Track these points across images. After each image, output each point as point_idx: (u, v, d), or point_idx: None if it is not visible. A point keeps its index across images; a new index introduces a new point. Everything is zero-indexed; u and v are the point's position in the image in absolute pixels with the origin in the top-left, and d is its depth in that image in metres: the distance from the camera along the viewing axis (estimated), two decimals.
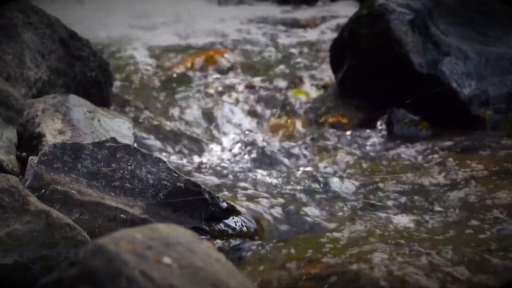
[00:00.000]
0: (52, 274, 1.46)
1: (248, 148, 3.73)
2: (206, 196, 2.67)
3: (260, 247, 2.65)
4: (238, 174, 3.46)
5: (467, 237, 2.66)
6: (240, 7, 6.51)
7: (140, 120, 3.98)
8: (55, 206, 2.45)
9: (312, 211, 2.99)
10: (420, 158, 3.62)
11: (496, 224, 2.78)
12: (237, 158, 3.67)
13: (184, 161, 3.66)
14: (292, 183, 3.32)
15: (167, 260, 1.49)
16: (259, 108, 4.26)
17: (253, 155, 3.67)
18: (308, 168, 3.52)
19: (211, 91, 4.41)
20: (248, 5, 6.55)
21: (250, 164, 3.59)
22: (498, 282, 2.24)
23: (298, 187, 3.26)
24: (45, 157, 2.60)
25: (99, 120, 3.32)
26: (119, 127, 3.38)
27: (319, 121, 4.15)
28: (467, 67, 4.06)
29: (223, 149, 3.81)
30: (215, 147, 3.86)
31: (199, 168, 3.56)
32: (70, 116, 3.25)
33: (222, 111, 4.23)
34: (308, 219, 2.92)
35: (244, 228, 2.73)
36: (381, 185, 3.29)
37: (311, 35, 5.49)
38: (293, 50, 5.14)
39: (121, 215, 2.54)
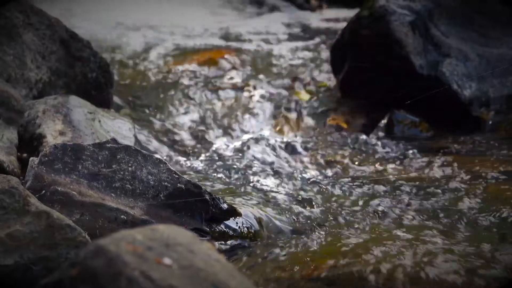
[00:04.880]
0: (53, 274, 1.47)
1: (249, 149, 3.73)
2: (207, 197, 2.67)
3: (261, 249, 2.66)
4: (239, 175, 3.46)
5: (467, 237, 2.66)
6: (240, 8, 6.51)
7: (140, 121, 3.98)
8: (56, 207, 2.45)
9: (313, 213, 2.99)
10: (420, 159, 3.62)
11: (496, 225, 2.78)
12: (238, 159, 3.66)
13: (185, 162, 3.66)
14: (292, 184, 3.32)
15: (167, 261, 1.49)
16: (259, 110, 4.26)
17: (254, 156, 3.66)
18: (309, 170, 3.52)
19: (212, 92, 4.41)
20: (248, 6, 6.55)
21: (250, 165, 3.59)
22: (498, 282, 2.25)
23: (299, 189, 3.26)
24: (46, 158, 2.60)
25: (99, 121, 3.32)
26: (119, 128, 3.38)
27: (320, 122, 4.15)
28: (468, 68, 4.05)
29: (223, 150, 3.81)
30: (215, 148, 3.86)
31: (199, 169, 3.56)
32: (71, 117, 3.26)
33: (223, 112, 4.24)
34: (309, 220, 2.92)
35: (245, 229, 2.73)
36: (381, 186, 3.29)
37: (312, 36, 5.49)
38: (294, 51, 5.14)
39: (122, 216, 2.54)
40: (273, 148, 3.73)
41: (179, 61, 4.91)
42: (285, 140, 3.89)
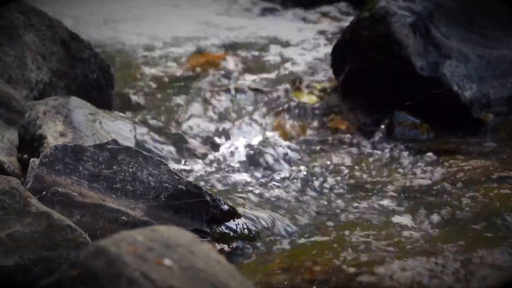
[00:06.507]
0: (53, 275, 1.47)
1: (249, 151, 3.73)
2: (207, 198, 2.67)
3: (261, 250, 2.66)
4: (239, 177, 3.46)
5: (467, 238, 2.66)
6: (240, 9, 6.52)
7: (141, 122, 3.98)
8: (56, 208, 2.45)
9: (313, 215, 2.99)
10: (420, 160, 3.62)
11: (496, 226, 2.78)
12: (239, 161, 3.67)
13: (185, 163, 3.67)
14: (293, 186, 3.32)
15: (167, 261, 1.49)
16: (260, 111, 4.26)
17: (254, 158, 3.67)
18: (310, 171, 3.52)
19: (213, 93, 4.41)
20: (250, 7, 6.55)
21: (251, 167, 3.59)
22: (498, 282, 2.25)
23: (300, 190, 3.26)
24: (47, 159, 2.60)
25: (100, 122, 3.32)
26: (120, 129, 3.38)
27: (321, 123, 4.15)
28: (468, 69, 4.05)
29: (224, 152, 3.81)
30: (216, 150, 3.86)
31: (200, 170, 3.57)
32: (71, 118, 3.26)
33: (223, 113, 4.24)
34: (310, 222, 2.92)
35: (245, 231, 2.73)
36: (382, 188, 3.29)
37: (313, 37, 5.49)
38: (295, 53, 5.14)
39: (122, 217, 2.54)
40: (274, 150, 3.73)
41: (180, 62, 4.92)
42: (285, 141, 3.89)
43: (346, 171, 3.53)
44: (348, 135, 3.98)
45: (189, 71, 4.76)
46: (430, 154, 3.68)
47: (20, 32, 3.55)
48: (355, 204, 3.10)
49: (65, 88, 3.69)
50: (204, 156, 3.77)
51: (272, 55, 5.12)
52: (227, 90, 4.47)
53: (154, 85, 4.57)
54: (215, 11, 6.46)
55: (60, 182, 2.56)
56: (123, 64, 4.92)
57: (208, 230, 2.65)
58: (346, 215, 2.98)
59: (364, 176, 3.46)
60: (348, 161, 3.66)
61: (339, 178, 3.43)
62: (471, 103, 3.99)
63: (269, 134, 3.97)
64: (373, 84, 4.17)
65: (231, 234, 2.70)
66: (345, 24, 4.46)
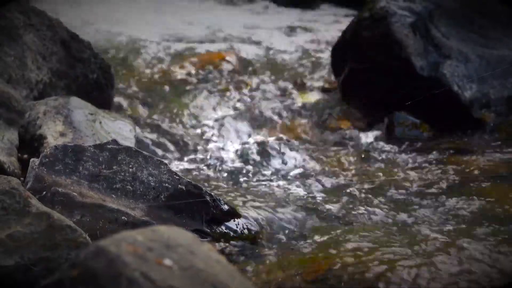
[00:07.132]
0: (53, 275, 1.47)
1: (250, 151, 3.73)
2: (207, 198, 2.67)
3: (261, 250, 2.66)
4: (240, 177, 3.46)
5: (467, 238, 2.66)
6: (241, 9, 6.52)
7: (141, 122, 3.98)
8: (56, 208, 2.45)
9: (313, 215, 2.99)
10: (421, 160, 3.62)
11: (495, 226, 2.78)
12: (239, 161, 3.67)
13: (186, 163, 3.67)
14: (293, 186, 3.32)
15: (168, 261, 1.49)
16: (260, 111, 4.26)
17: (255, 158, 3.67)
18: (310, 172, 3.52)
19: (213, 93, 4.41)
20: (250, 7, 6.56)
21: (251, 167, 3.59)
22: (498, 282, 2.25)
23: (300, 191, 3.26)
24: (47, 159, 2.60)
25: (100, 122, 3.32)
26: (120, 129, 3.38)
27: (321, 124, 4.15)
28: (468, 69, 4.05)
29: (224, 152, 3.81)
30: (216, 150, 3.86)
31: (200, 170, 3.57)
32: (72, 118, 3.26)
33: (224, 113, 4.24)
34: (310, 222, 2.92)
35: (246, 231, 2.73)
36: (382, 188, 3.29)
37: (313, 37, 5.49)
38: (295, 53, 5.14)
39: (122, 217, 2.54)
40: (274, 150, 3.73)
41: (180, 62, 4.92)
42: (285, 141, 3.89)
43: (346, 171, 3.53)
44: (348, 135, 3.98)
45: (189, 71, 4.76)
46: (430, 154, 3.69)
47: (20, 32, 3.55)
48: (355, 204, 3.10)
49: (65, 88, 3.69)
50: (204, 156, 3.77)
51: (272, 55, 5.12)
52: (227, 90, 4.47)
53: (154, 85, 4.57)
54: (215, 10, 6.47)
55: (60, 182, 2.56)
56: (123, 64, 4.92)
57: (208, 230, 2.65)
58: (346, 215, 2.98)
59: (365, 176, 3.46)
60: (348, 161, 3.66)
61: (339, 178, 3.43)
62: (471, 103, 3.99)
63: (269, 134, 3.97)
64: (373, 84, 4.17)
65: (231, 234, 2.70)
66: (345, 24, 4.46)
